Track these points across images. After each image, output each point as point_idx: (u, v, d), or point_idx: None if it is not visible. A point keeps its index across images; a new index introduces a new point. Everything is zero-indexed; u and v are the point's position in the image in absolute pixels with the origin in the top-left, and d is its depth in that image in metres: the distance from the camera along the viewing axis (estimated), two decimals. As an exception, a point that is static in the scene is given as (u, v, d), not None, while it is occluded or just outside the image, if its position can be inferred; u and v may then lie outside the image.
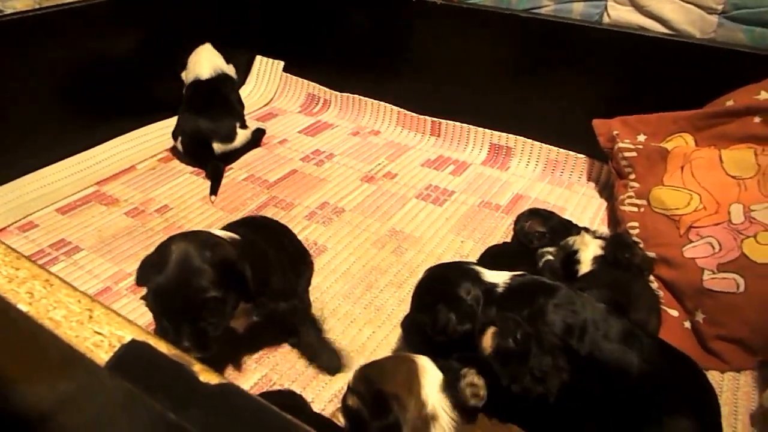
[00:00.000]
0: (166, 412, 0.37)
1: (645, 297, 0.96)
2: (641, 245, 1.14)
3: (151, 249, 1.23)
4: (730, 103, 1.21)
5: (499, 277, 0.85)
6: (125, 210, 1.38)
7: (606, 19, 1.42)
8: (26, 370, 0.54)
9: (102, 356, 0.42)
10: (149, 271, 0.78)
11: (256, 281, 0.83)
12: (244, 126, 1.63)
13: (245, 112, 1.76)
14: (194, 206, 1.41)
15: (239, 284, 0.81)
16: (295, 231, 1.29)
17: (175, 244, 0.79)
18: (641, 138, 1.32)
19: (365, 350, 1.01)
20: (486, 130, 1.65)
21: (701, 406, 0.76)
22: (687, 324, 1.03)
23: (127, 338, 0.43)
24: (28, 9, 1.41)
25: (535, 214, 1.17)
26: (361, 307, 1.10)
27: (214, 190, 1.45)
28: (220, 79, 1.66)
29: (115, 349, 0.42)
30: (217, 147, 1.53)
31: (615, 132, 1.35)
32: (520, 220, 1.18)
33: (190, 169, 1.56)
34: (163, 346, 0.42)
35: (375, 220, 1.36)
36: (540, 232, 1.08)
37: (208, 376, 0.40)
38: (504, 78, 1.59)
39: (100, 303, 0.46)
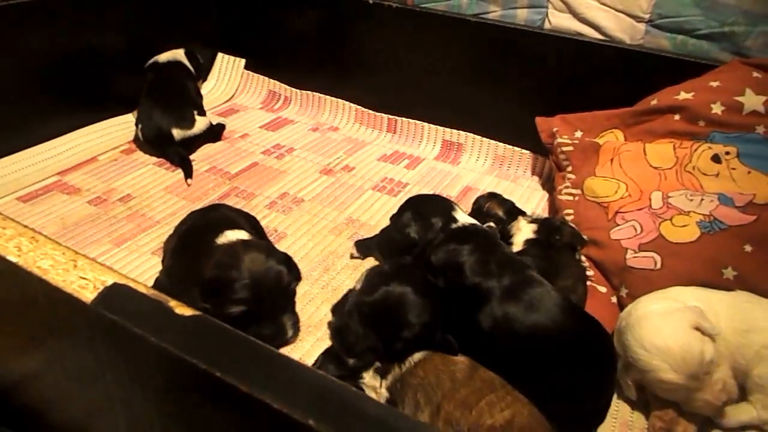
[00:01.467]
0: (148, 337, 0.43)
1: (572, 267, 1.07)
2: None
3: (115, 236, 1.29)
4: (654, 102, 1.34)
5: (464, 219, 1.05)
6: (88, 199, 1.41)
7: (547, 25, 1.54)
8: (15, 323, 0.59)
9: (88, 296, 0.48)
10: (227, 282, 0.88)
11: None
12: (202, 113, 1.69)
13: (207, 107, 1.82)
14: (157, 195, 1.45)
15: None
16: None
17: (247, 255, 0.91)
18: (578, 134, 1.44)
19: (322, 326, 1.08)
20: (439, 127, 1.75)
21: (599, 362, 0.88)
22: (614, 299, 1.14)
23: (110, 281, 0.49)
24: (-11, 0, 1.43)
25: (494, 196, 1.27)
26: (319, 288, 1.18)
27: (188, 174, 1.51)
28: (177, 66, 1.73)
29: (100, 290, 0.48)
30: (177, 133, 1.58)
31: (555, 129, 1.47)
32: (479, 200, 1.27)
33: (153, 160, 1.60)
34: (142, 288, 0.48)
35: (333, 209, 1.44)
36: (497, 215, 1.18)
37: (182, 310, 0.46)
38: (455, 78, 1.69)
39: (84, 255, 0.52)
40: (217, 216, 1.10)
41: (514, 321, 0.86)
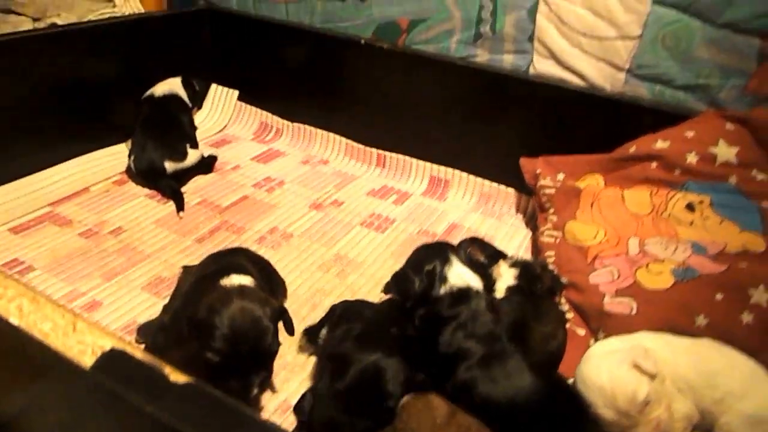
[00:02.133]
0: (142, 405, 0.46)
1: (552, 313, 1.10)
2: (555, 271, 1.29)
3: (106, 270, 1.30)
4: (633, 149, 1.40)
5: (455, 279, 1.02)
6: (79, 231, 1.43)
7: (532, 71, 1.60)
8: (15, 379, 0.61)
9: (87, 361, 0.50)
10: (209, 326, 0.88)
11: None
12: (194, 146, 1.72)
13: (200, 136, 1.85)
14: (148, 228, 1.47)
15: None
16: (246, 254, 1.39)
17: (238, 303, 0.89)
18: (560, 176, 1.49)
19: (308, 364, 1.11)
20: (427, 163, 1.80)
21: None
22: (592, 342, 1.18)
23: (108, 346, 0.52)
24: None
25: (474, 241, 1.30)
26: (306, 325, 1.20)
27: (180, 207, 1.54)
28: (172, 99, 1.77)
29: (98, 355, 0.51)
30: (169, 166, 1.61)
31: (538, 170, 1.52)
32: (462, 245, 1.30)
33: (144, 191, 1.62)
34: (138, 353, 0.51)
35: (321, 245, 1.47)
36: (479, 261, 1.22)
37: (177, 377, 0.49)
38: (444, 116, 1.74)
39: (82, 317, 0.55)
40: (233, 261, 1.11)
41: (484, 393, 0.89)
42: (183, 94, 1.80)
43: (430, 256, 1.05)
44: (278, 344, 0.92)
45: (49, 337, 0.52)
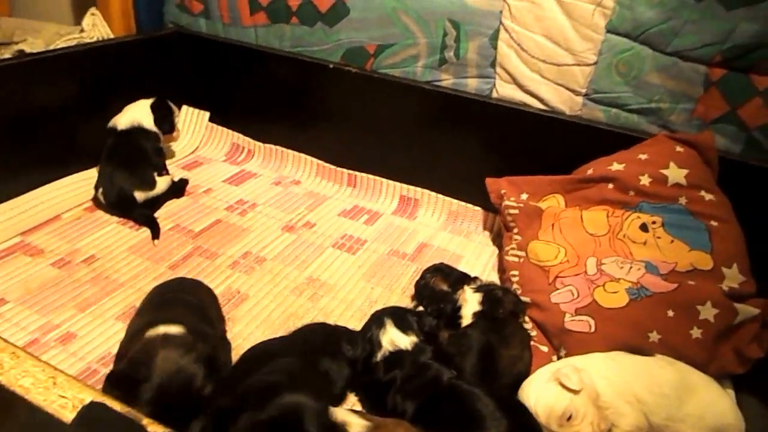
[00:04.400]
0: (123, 458, 0.49)
1: (517, 336, 1.16)
2: (519, 291, 1.35)
3: (79, 300, 1.31)
4: (590, 171, 1.47)
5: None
6: (51, 261, 1.44)
7: (495, 94, 1.66)
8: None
9: (68, 416, 0.53)
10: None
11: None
12: (162, 174, 1.71)
13: (172, 159, 1.86)
14: (121, 256, 1.48)
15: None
16: (219, 280, 1.42)
17: (160, 354, 0.89)
18: (524, 197, 1.55)
19: (283, 391, 1.14)
20: (396, 183, 1.85)
21: None
22: (554, 358, 1.24)
23: (87, 400, 0.54)
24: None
25: (438, 270, 1.34)
26: (280, 351, 1.23)
27: (155, 234, 1.55)
28: (134, 130, 1.70)
29: (78, 409, 0.53)
30: (139, 195, 1.61)
31: (503, 190, 1.58)
32: (425, 275, 1.35)
33: (116, 219, 1.63)
34: (117, 406, 0.54)
35: (294, 269, 1.50)
36: (442, 290, 1.26)
37: (155, 428, 0.52)
38: (412, 137, 1.79)
39: (62, 371, 0.58)
40: (169, 300, 1.13)
41: None
42: (148, 121, 1.74)
43: (371, 322, 1.13)
44: (210, 387, 0.90)
45: (30, 392, 0.55)
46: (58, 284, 1.36)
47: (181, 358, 0.88)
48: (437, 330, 1.13)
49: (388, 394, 0.99)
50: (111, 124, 1.72)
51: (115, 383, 0.87)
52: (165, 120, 1.80)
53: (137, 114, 1.74)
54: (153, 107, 1.77)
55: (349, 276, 1.49)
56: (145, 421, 0.53)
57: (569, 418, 0.93)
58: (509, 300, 1.19)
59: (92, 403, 0.54)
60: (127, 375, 0.88)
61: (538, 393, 0.97)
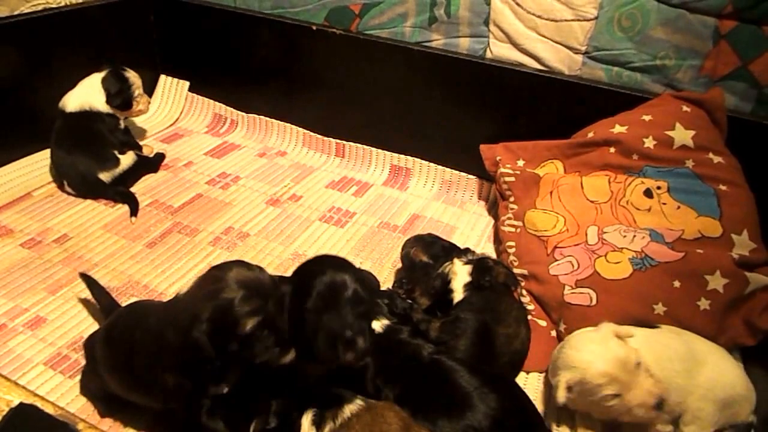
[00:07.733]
0: (52, 469, 0.42)
1: (512, 312, 1.09)
2: (516, 263, 1.28)
3: (50, 282, 1.24)
4: (591, 134, 1.38)
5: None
6: (21, 241, 1.36)
7: (489, 54, 1.56)
8: None
9: (-9, 420, 0.46)
10: None
11: None
12: (125, 149, 1.59)
13: (151, 131, 1.77)
14: (95, 235, 1.40)
15: None
16: (200, 257, 1.35)
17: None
18: (520, 163, 1.47)
19: (266, 373, 1.07)
20: (387, 152, 1.76)
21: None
22: (553, 333, 1.18)
23: (15, 401, 0.47)
24: None
25: (419, 240, 1.26)
26: (263, 332, 1.16)
27: (134, 211, 1.47)
28: (86, 115, 1.56)
29: (4, 412, 0.46)
30: (104, 176, 1.52)
31: (498, 157, 1.49)
32: (406, 246, 1.27)
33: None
34: (49, 407, 0.47)
35: (279, 244, 1.42)
36: (422, 261, 1.18)
37: (91, 431, 0.45)
38: (401, 103, 1.70)
39: (-11, 368, 0.50)
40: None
41: None
42: (99, 100, 1.57)
43: None
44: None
45: (-52, 394, 0.48)
46: (27, 266, 1.29)
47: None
48: (411, 312, 1.05)
49: (365, 380, 0.92)
50: (60, 104, 1.56)
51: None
52: (119, 95, 1.58)
53: (87, 94, 1.57)
54: (104, 82, 1.58)
55: (337, 250, 1.42)
56: (81, 425, 0.46)
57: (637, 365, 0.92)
58: (500, 271, 1.12)
59: (21, 405, 0.47)
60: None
61: (602, 351, 0.92)
